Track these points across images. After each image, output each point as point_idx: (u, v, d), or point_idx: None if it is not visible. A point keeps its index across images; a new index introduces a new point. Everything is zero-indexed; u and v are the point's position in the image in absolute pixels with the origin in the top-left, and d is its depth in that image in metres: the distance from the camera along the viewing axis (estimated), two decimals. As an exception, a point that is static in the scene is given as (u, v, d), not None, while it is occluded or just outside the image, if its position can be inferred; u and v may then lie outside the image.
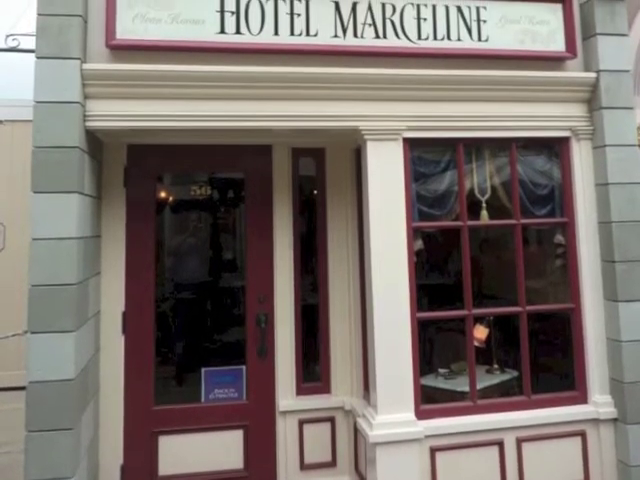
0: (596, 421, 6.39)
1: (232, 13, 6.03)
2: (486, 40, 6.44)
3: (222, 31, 6.00)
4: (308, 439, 6.82)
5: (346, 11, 6.20)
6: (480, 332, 6.76)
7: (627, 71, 6.63)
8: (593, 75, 6.56)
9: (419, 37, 6.33)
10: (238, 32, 6.03)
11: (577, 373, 6.58)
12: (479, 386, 6.48)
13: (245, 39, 6.04)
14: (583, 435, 6.39)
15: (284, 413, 6.78)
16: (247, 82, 5.97)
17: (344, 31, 6.19)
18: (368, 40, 6.24)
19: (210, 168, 7.21)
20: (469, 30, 6.41)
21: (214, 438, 6.68)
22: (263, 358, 6.76)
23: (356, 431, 6.60)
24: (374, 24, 6.25)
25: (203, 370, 6.85)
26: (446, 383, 6.79)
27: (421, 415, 6.13)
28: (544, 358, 7.22)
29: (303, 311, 6.95)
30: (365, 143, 6.20)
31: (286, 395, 6.81)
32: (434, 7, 6.37)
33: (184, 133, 6.24)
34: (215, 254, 7.76)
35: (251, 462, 6.71)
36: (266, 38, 6.08)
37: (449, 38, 6.38)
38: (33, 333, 5.37)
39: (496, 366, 7.10)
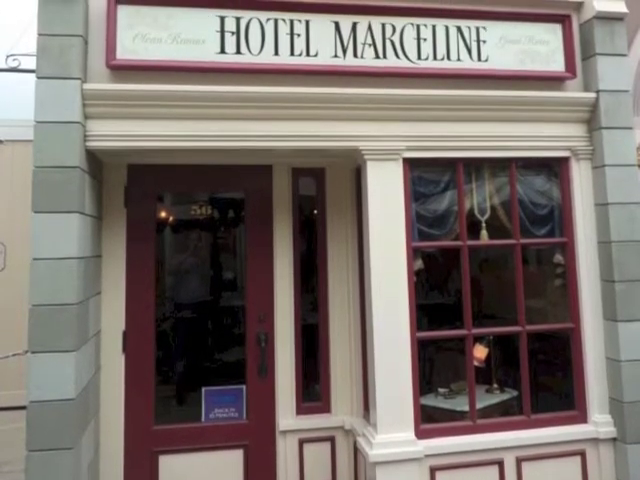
0: (596, 441, 6.39)
1: (232, 33, 6.04)
2: (486, 60, 6.45)
3: (222, 51, 6.01)
4: (308, 458, 6.80)
5: (346, 31, 6.21)
6: (480, 352, 6.76)
7: (626, 91, 6.65)
8: (592, 95, 6.58)
9: (419, 57, 6.34)
10: (238, 52, 6.04)
11: (577, 392, 6.58)
12: (479, 406, 6.48)
13: (245, 59, 6.05)
14: (583, 455, 6.38)
15: (284, 432, 6.76)
16: (247, 102, 5.97)
17: (344, 51, 6.21)
18: (368, 60, 6.25)
19: (210, 188, 7.21)
20: (469, 50, 6.43)
21: (214, 458, 6.66)
22: (263, 377, 6.74)
23: (356, 450, 6.60)
24: (374, 44, 6.26)
25: (203, 389, 6.83)
26: (446, 402, 6.78)
27: (421, 434, 6.13)
28: (544, 377, 7.23)
29: (303, 330, 6.94)
30: (365, 163, 6.21)
31: (286, 415, 6.79)
32: (434, 27, 6.38)
33: (184, 153, 6.23)
34: (215, 273, 7.78)
35: (251, 481, 6.69)
36: (266, 58, 6.09)
37: (449, 58, 6.40)
38: (33, 353, 5.36)
39: (496, 386, 7.10)
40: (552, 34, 6.64)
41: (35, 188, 5.49)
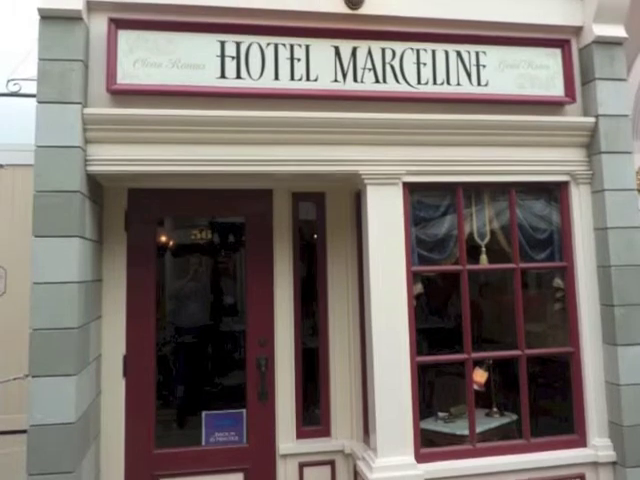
0: (595, 464, 6.40)
1: (232, 58, 6.05)
2: (485, 85, 6.47)
3: (222, 76, 6.03)
4: (308, 482, 6.79)
5: (346, 56, 6.23)
6: (479, 375, 6.75)
7: (626, 116, 6.66)
8: (592, 120, 6.59)
9: (419, 82, 6.35)
10: (238, 77, 6.05)
11: (576, 416, 6.59)
12: (479, 429, 6.49)
13: (245, 84, 6.06)
14: (582, 478, 6.39)
15: (284, 456, 6.75)
16: (247, 127, 5.98)
17: (344, 76, 6.22)
18: (368, 85, 6.26)
19: (210, 212, 7.24)
20: (468, 75, 6.44)
21: (215, 481, 6.65)
22: (263, 401, 6.74)
23: (356, 474, 6.59)
24: (374, 69, 6.28)
25: (204, 413, 6.83)
26: (446, 426, 6.78)
27: (421, 458, 6.12)
28: (543, 401, 7.25)
29: (303, 354, 6.94)
30: (365, 187, 6.22)
31: (286, 438, 6.78)
32: (434, 52, 6.40)
33: (185, 177, 6.23)
34: (216, 298, 7.79)
35: (252, 505, 6.68)
36: (266, 83, 6.10)
37: (449, 83, 6.41)
38: (34, 377, 5.36)
39: (495, 409, 7.09)
40: (552, 59, 6.65)
41: (36, 212, 5.49)
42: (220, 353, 7.52)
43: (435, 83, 6.39)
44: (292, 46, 6.16)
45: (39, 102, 5.62)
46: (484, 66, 6.49)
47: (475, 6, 6.48)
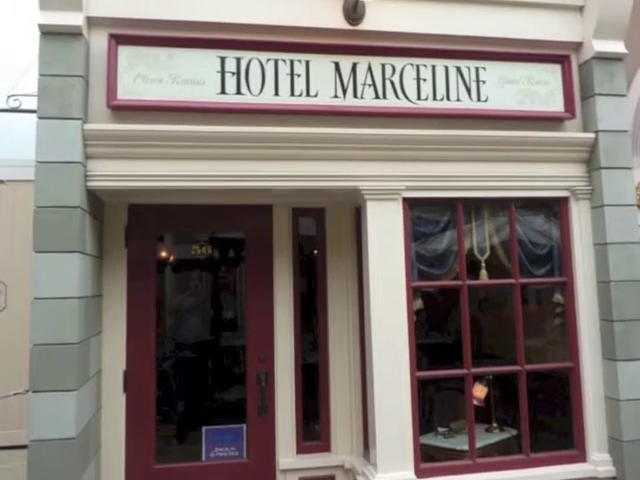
0: (595, 480, 6.38)
1: (232, 74, 6.06)
2: (485, 100, 6.47)
3: (223, 91, 6.04)
4: (308, 497, 6.78)
5: (346, 71, 6.24)
6: (479, 391, 6.76)
7: (626, 131, 6.67)
8: (592, 135, 6.60)
9: (419, 97, 6.36)
10: (239, 92, 6.06)
11: (576, 432, 6.58)
12: (478, 445, 6.48)
13: (246, 99, 6.07)
14: (582, 493, 6.38)
15: (284, 472, 6.73)
16: (247, 142, 5.99)
17: (344, 91, 6.23)
18: (368, 100, 6.27)
19: (211, 228, 7.21)
20: (468, 90, 6.45)
21: (215, 496, 6.64)
22: (263, 417, 6.73)
23: (356, 489, 6.59)
24: (374, 84, 6.29)
25: (204, 429, 6.83)
26: (445, 442, 6.76)
27: (421, 474, 6.11)
28: (543, 416, 7.22)
29: (303, 370, 6.94)
30: (365, 203, 6.23)
31: (286, 454, 6.77)
32: (434, 68, 6.41)
33: (185, 193, 6.24)
34: (216, 313, 7.77)
35: (252, 520, 6.67)
36: (266, 98, 6.11)
37: (448, 98, 6.42)
38: (35, 392, 5.36)
39: (495, 425, 7.06)
40: (551, 74, 6.66)
41: (36, 228, 5.50)
42: (220, 368, 7.50)
43: (435, 99, 6.40)
44: (292, 62, 6.17)
45: (39, 118, 5.63)
46: (484, 82, 6.49)
47: (475, 22, 6.50)
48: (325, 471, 6.81)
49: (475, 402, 6.57)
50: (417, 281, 6.42)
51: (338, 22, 6.24)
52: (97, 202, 6.22)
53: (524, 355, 6.55)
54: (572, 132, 6.67)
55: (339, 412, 6.92)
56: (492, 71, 6.53)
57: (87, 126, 5.72)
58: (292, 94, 6.15)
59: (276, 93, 6.12)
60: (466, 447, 6.43)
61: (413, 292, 6.34)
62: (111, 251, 6.57)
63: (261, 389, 6.74)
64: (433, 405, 7.64)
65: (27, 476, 5.33)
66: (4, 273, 9.33)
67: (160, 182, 5.91)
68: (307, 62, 6.19)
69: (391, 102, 6.32)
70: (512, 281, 6.63)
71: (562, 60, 6.69)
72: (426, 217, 6.56)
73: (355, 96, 6.25)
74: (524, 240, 6.70)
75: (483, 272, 6.63)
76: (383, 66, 6.32)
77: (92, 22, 5.92)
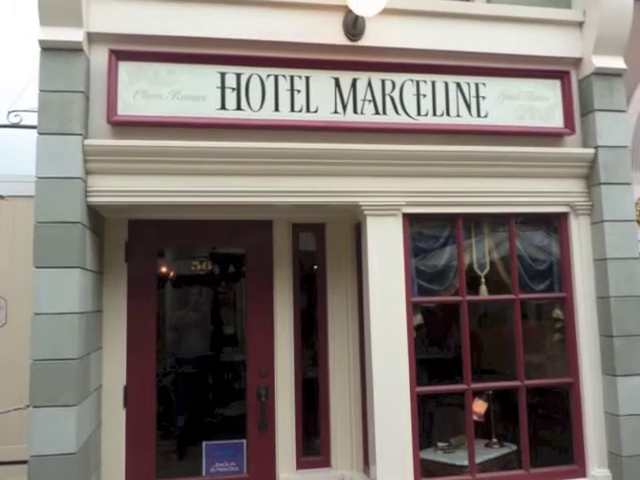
0: (595, 495, 6.38)
1: (233, 89, 6.07)
2: (485, 116, 6.48)
3: (223, 107, 6.04)
4: (308, 512, 6.77)
5: (346, 87, 6.25)
6: (479, 406, 6.75)
7: (625, 147, 6.67)
8: (591, 151, 6.60)
9: (418, 113, 6.37)
10: (239, 108, 6.07)
11: (576, 447, 6.58)
12: (478, 460, 6.48)
13: (246, 115, 6.07)
14: (582, 509, 6.38)
15: (285, 486, 6.73)
16: (247, 158, 5.99)
17: (344, 107, 6.24)
18: (368, 116, 6.28)
19: (211, 243, 7.21)
20: (468, 106, 6.46)
21: (215, 511, 6.64)
22: (264, 432, 6.72)
23: (356, 504, 6.59)
24: (374, 100, 6.29)
25: (204, 444, 6.82)
26: (445, 457, 6.75)
27: (421, 489, 6.10)
28: (543, 432, 7.21)
29: (303, 385, 6.94)
30: (365, 219, 6.23)
31: (286, 469, 6.75)
32: (433, 83, 6.42)
33: (185, 209, 6.23)
34: (216, 328, 7.76)
35: (252, 536, 6.66)
36: (267, 114, 6.11)
37: (448, 114, 6.43)
38: (35, 407, 5.36)
39: (495, 440, 7.05)
40: (551, 90, 6.67)
41: (36, 243, 5.51)
42: (220, 383, 7.49)
43: (435, 114, 6.40)
44: (292, 77, 6.18)
45: (40, 133, 5.64)
46: (484, 97, 6.50)
47: (475, 38, 6.51)
48: (325, 486, 6.80)
49: (475, 417, 6.57)
50: (417, 297, 6.42)
51: (338, 38, 6.25)
52: (97, 217, 6.22)
53: (524, 370, 6.56)
54: (572, 148, 6.68)
55: (339, 427, 6.91)
56: (492, 87, 6.54)
57: (87, 142, 5.72)
58: (292, 110, 6.16)
59: (276, 109, 6.13)
60: (466, 462, 6.43)
61: (413, 307, 6.34)
62: (111, 266, 6.57)
63: (261, 404, 6.74)
64: (433, 420, 7.63)
65: (28, 491, 5.30)
66: (4, 289, 9.30)
67: (160, 198, 5.92)
68: (307, 78, 6.20)
69: (391, 118, 6.33)
70: (512, 297, 6.63)
71: (562, 76, 6.70)
72: (426, 233, 6.56)
73: (355, 112, 6.26)
74: (524, 255, 6.70)
75: (483, 288, 6.64)
76: (383, 82, 6.33)
77: (92, 38, 5.92)
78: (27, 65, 7.28)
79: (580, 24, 6.78)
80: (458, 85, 6.47)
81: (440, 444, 6.97)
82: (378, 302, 6.17)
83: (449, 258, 6.58)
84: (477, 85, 6.51)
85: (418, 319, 6.44)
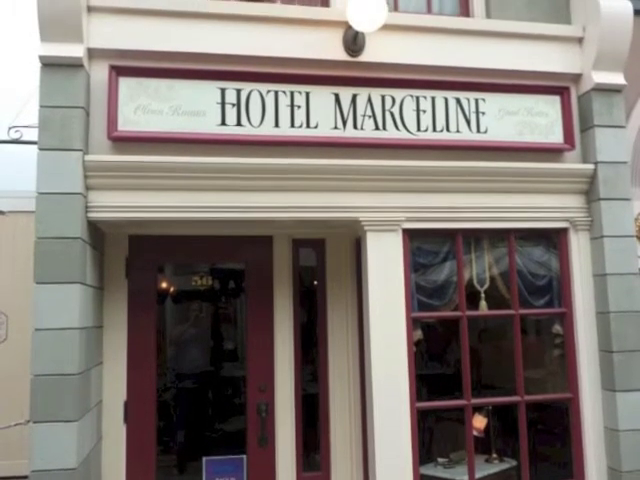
0: (594, 510, 6.38)
1: (233, 105, 6.07)
2: (485, 131, 6.48)
3: (223, 123, 6.04)
4: (308, 528, 6.76)
5: (346, 103, 6.26)
6: (479, 421, 6.74)
7: (625, 162, 6.68)
8: (591, 167, 6.60)
9: (418, 129, 6.37)
10: (239, 124, 6.07)
11: (575, 462, 6.57)
12: (478, 475, 6.47)
13: (246, 131, 6.08)
14: (581, 524, 6.38)
15: (285, 502, 6.72)
16: (247, 174, 6.00)
17: (344, 123, 6.24)
18: (368, 132, 6.28)
19: (211, 259, 7.22)
20: (468, 122, 6.46)
21: (215, 527, 6.63)
22: (264, 447, 6.72)
23: (356, 520, 6.58)
24: (374, 116, 6.30)
25: (204, 459, 6.81)
26: (445, 472, 6.73)
27: (421, 504, 6.10)
28: (543, 447, 7.21)
29: (303, 400, 6.94)
30: (365, 234, 6.23)
31: (287, 484, 6.75)
32: (433, 99, 6.42)
33: (185, 224, 6.24)
34: (216, 344, 7.77)
35: None
36: (267, 130, 6.12)
37: (448, 130, 6.43)
38: (35, 422, 5.36)
39: (495, 455, 7.04)
40: (551, 106, 6.67)
41: (37, 259, 5.51)
42: (220, 399, 7.49)
43: (435, 130, 6.41)
44: (292, 93, 6.19)
45: (40, 149, 5.65)
46: (483, 113, 6.51)
47: (475, 53, 6.52)
48: (326, 501, 6.80)
49: (475, 433, 6.56)
50: (417, 312, 6.42)
51: (338, 54, 6.26)
52: (98, 233, 6.23)
53: (524, 386, 6.56)
54: (571, 163, 6.68)
55: (339, 443, 6.91)
56: (492, 102, 6.54)
57: (88, 157, 5.73)
58: (292, 125, 6.17)
59: (276, 124, 6.13)
60: (466, 478, 6.42)
61: (413, 323, 6.34)
62: (112, 282, 6.57)
63: (261, 419, 6.73)
64: (433, 435, 7.63)
65: (28, 507, 5.31)
66: (5, 304, 9.32)
67: (161, 213, 5.92)
68: (307, 93, 6.21)
69: (391, 133, 6.33)
70: (511, 312, 6.63)
71: (561, 92, 6.71)
72: (426, 248, 6.57)
73: (355, 127, 6.26)
74: (523, 271, 6.70)
75: (482, 303, 6.64)
76: (383, 97, 6.34)
77: (93, 53, 5.93)
78: (27, 81, 7.31)
79: (580, 40, 6.79)
80: (458, 101, 6.47)
81: (440, 459, 6.96)
82: (378, 317, 6.16)
83: (449, 273, 6.58)
84: (477, 101, 6.51)
85: (418, 334, 6.44)
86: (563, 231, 6.71)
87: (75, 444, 5.38)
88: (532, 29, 6.68)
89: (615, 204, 6.56)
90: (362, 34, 6.18)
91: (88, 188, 5.79)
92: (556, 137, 6.67)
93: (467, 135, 6.47)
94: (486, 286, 6.69)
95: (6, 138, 8.43)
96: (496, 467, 6.91)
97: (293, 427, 6.82)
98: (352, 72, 6.30)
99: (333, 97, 6.25)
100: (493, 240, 6.75)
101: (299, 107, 6.18)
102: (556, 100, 6.71)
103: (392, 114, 6.35)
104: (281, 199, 6.08)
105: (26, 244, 7.63)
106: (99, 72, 5.93)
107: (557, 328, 6.77)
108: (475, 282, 6.68)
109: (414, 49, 6.40)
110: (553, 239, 6.80)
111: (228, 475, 6.78)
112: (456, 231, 6.51)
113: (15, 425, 7.80)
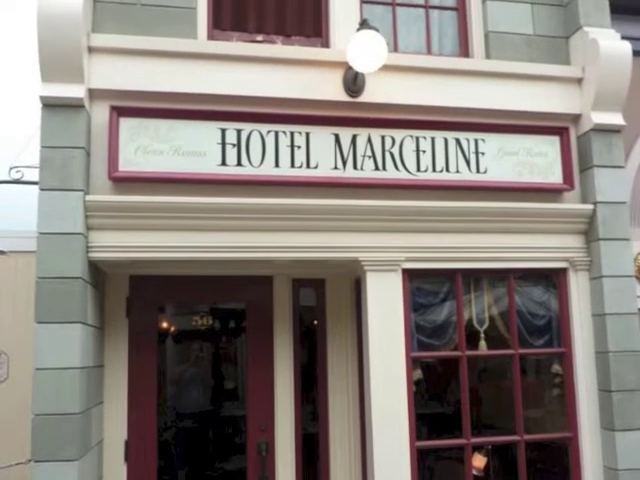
0: None
1: (233, 145, 6.09)
2: (484, 172, 6.50)
3: (223, 163, 6.07)
4: None
5: (346, 143, 6.28)
6: (479, 460, 6.72)
7: (624, 203, 6.69)
8: (590, 207, 6.61)
9: (418, 169, 6.39)
10: (239, 164, 6.09)
11: (575, 501, 6.56)
12: (478, 514, 6.46)
13: (246, 171, 6.10)
14: None
15: (284, 542, 6.70)
16: (247, 214, 6.01)
17: (344, 163, 6.27)
18: (368, 172, 6.31)
19: (211, 299, 7.27)
20: (467, 162, 6.48)
21: None
22: (264, 486, 6.72)
23: None
24: (374, 156, 6.32)
25: (205, 498, 6.80)
26: (445, 511, 6.75)
27: None
28: (542, 487, 7.21)
29: (304, 439, 6.93)
30: (365, 274, 6.24)
31: (286, 524, 6.73)
32: (433, 139, 6.45)
33: (185, 264, 6.25)
34: (216, 383, 7.81)
35: None
36: (267, 170, 6.14)
37: (448, 170, 6.45)
38: (37, 462, 5.36)
39: (494, 494, 7.07)
40: (550, 146, 6.69)
41: (38, 299, 5.53)
42: (221, 438, 7.51)
43: (434, 170, 6.43)
44: (292, 133, 6.21)
45: (41, 189, 5.68)
46: (483, 153, 6.53)
47: (474, 94, 6.54)
48: (325, 542, 6.79)
49: (474, 472, 6.55)
50: (416, 351, 6.43)
51: (338, 94, 6.29)
52: (98, 273, 6.24)
53: (523, 425, 6.56)
54: (571, 203, 6.69)
55: (339, 482, 6.89)
56: (491, 143, 6.56)
57: (88, 197, 5.75)
58: (292, 165, 6.19)
59: (276, 164, 6.16)
60: (466, 516, 6.41)
61: (413, 362, 6.35)
62: (112, 321, 6.58)
63: (261, 459, 6.71)
64: (433, 475, 7.60)
65: None
66: (6, 344, 9.31)
67: (161, 253, 5.94)
68: (307, 134, 6.23)
69: (391, 174, 6.35)
70: (511, 352, 6.63)
71: (561, 132, 6.73)
72: (426, 288, 6.58)
73: (355, 168, 6.29)
74: (523, 311, 6.71)
75: (482, 343, 6.64)
76: (383, 138, 6.36)
77: (94, 94, 5.96)
78: (28, 121, 7.33)
79: (579, 80, 6.81)
80: (457, 141, 6.49)
81: (440, 498, 6.97)
82: (378, 357, 6.17)
83: (448, 313, 6.59)
84: (476, 141, 6.53)
85: (418, 374, 6.44)
86: (562, 271, 6.72)
87: (76, 484, 5.35)
88: (531, 69, 6.72)
89: (614, 244, 6.57)
90: (362, 74, 6.20)
91: (89, 228, 5.81)
92: (555, 177, 6.68)
93: (467, 175, 6.49)
94: (486, 326, 6.69)
95: (7, 178, 8.45)
96: (496, 506, 6.93)
97: (293, 466, 6.80)
98: (352, 112, 6.33)
99: (333, 137, 6.28)
100: (493, 280, 6.76)
101: (299, 147, 6.20)
102: (555, 140, 6.72)
103: (392, 154, 6.37)
104: (281, 239, 6.10)
105: (27, 284, 7.66)
106: (100, 112, 5.96)
107: (556, 368, 6.77)
108: (475, 322, 6.68)
109: (414, 89, 6.43)
110: (552, 279, 6.80)
111: (229, 513, 6.78)
112: (456, 271, 6.52)
113: (16, 464, 7.78)
